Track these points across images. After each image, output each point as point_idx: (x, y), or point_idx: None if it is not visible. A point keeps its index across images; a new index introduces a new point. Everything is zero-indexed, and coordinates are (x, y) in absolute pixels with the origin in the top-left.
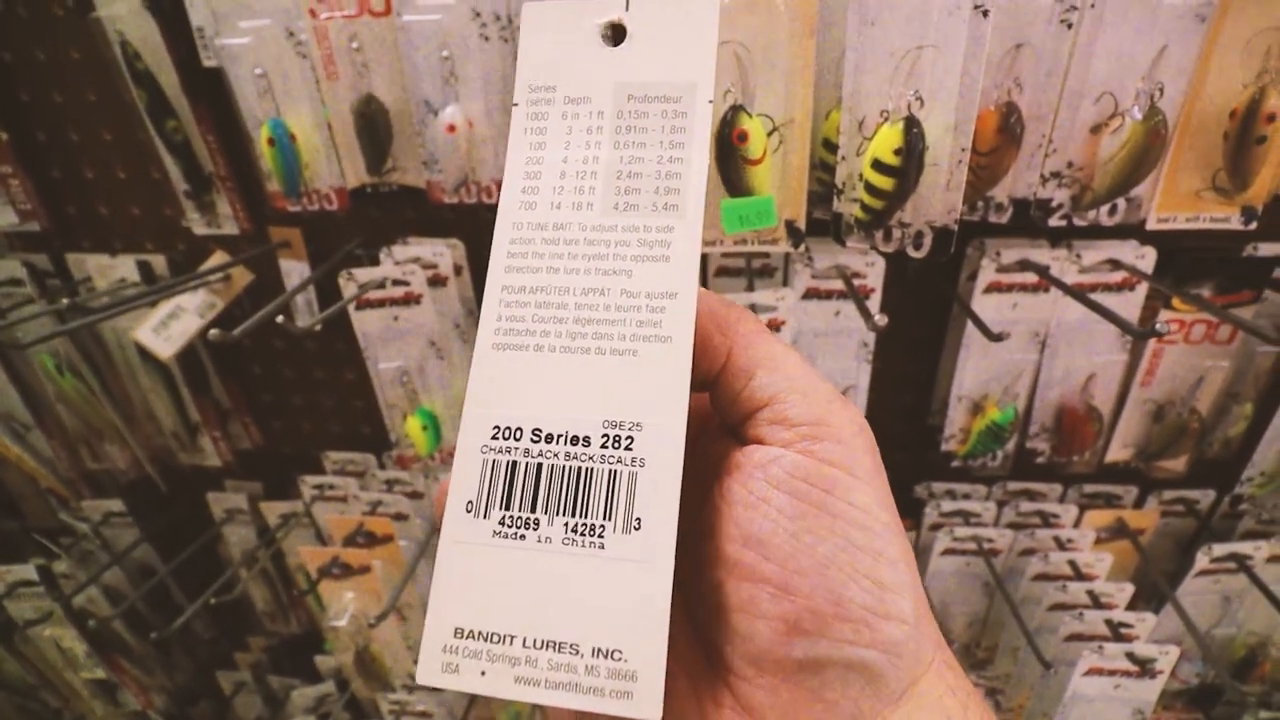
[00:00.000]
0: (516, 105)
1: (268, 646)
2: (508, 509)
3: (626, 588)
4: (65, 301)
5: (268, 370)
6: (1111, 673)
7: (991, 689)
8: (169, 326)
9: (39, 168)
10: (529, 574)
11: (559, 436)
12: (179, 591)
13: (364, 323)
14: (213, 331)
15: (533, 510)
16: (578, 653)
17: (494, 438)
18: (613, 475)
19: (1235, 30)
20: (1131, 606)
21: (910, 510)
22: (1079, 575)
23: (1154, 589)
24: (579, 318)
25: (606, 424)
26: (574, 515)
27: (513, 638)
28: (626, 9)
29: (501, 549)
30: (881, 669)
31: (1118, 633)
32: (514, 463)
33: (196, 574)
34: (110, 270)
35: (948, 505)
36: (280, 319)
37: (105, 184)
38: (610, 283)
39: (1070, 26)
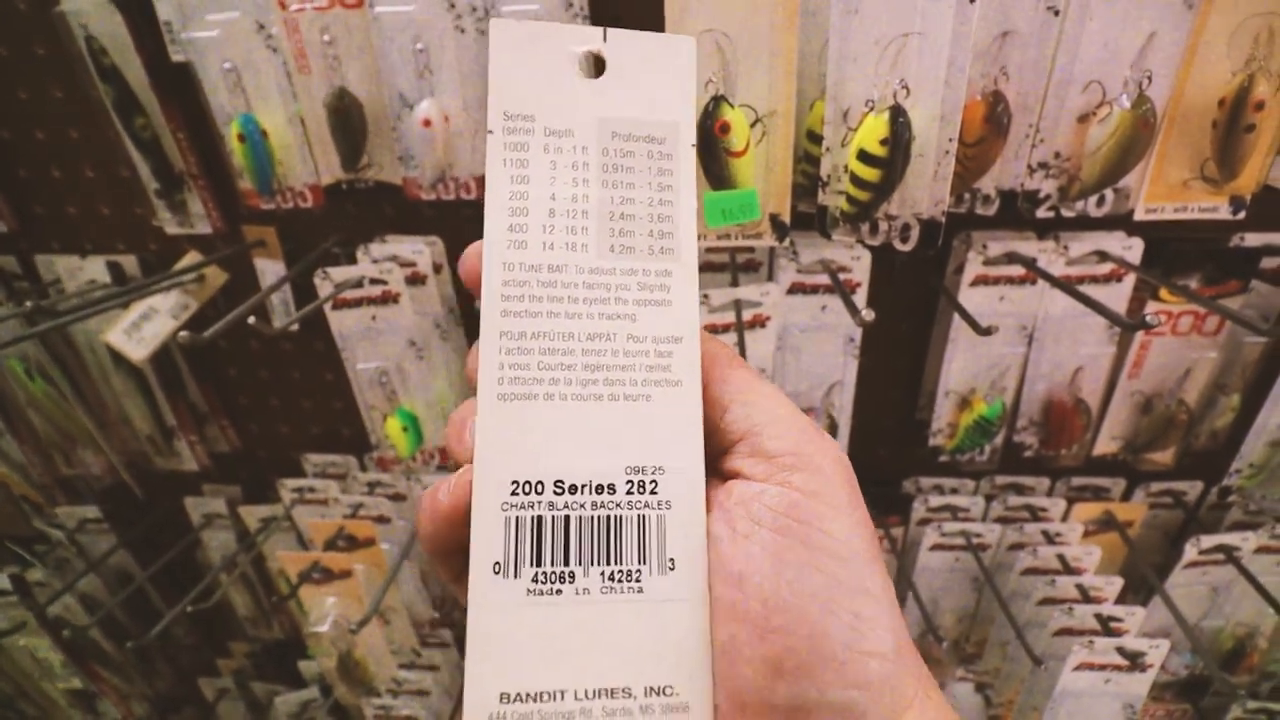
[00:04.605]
0: (491, 132)
1: (250, 652)
2: (539, 565)
3: (669, 625)
4: (28, 304)
5: (244, 372)
6: (1102, 667)
7: (981, 684)
8: (141, 329)
9: (4, 167)
10: (570, 627)
11: (583, 486)
12: (158, 598)
13: (341, 323)
14: (181, 334)
15: (566, 564)
16: (630, 695)
17: (514, 494)
18: (642, 520)
19: (1223, 17)
20: (1120, 599)
21: (898, 505)
22: (1068, 569)
23: (1142, 581)
24: (588, 364)
25: (629, 470)
26: (609, 563)
27: (563, 693)
28: (604, 40)
29: (538, 606)
30: (864, 708)
31: (1107, 627)
32: (540, 518)
33: (175, 580)
34: (80, 272)
35: (935, 500)
36: (252, 320)
37: (73, 183)
38: (615, 327)
39: (1057, 13)
